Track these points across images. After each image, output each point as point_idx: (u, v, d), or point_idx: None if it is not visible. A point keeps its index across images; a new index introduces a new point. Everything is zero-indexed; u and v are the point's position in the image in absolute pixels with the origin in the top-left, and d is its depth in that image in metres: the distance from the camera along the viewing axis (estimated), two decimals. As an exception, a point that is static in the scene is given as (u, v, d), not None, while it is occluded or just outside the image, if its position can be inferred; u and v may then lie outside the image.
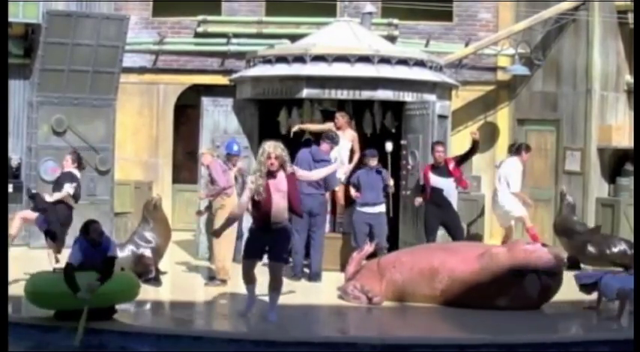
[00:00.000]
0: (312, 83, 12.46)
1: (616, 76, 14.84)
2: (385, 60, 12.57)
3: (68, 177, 11.14)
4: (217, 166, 11.32)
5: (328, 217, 12.70)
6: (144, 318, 9.60)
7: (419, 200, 12.04)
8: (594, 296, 9.99)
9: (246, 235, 9.86)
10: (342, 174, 12.40)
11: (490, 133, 15.70)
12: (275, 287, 9.11)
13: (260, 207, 8.94)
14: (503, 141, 15.58)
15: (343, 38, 13.03)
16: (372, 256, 11.65)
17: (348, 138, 12.62)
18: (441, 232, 12.12)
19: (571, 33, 14.91)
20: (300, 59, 12.57)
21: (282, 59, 12.73)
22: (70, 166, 11.31)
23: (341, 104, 13.08)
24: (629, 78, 14.83)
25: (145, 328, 8.87)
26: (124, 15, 14.59)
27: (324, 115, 13.06)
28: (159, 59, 16.11)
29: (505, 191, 12.94)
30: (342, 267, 11.62)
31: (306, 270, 11.69)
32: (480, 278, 9.80)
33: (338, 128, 12.52)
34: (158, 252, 11.35)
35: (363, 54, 12.52)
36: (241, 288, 9.62)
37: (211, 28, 15.98)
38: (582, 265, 12.42)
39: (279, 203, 8.90)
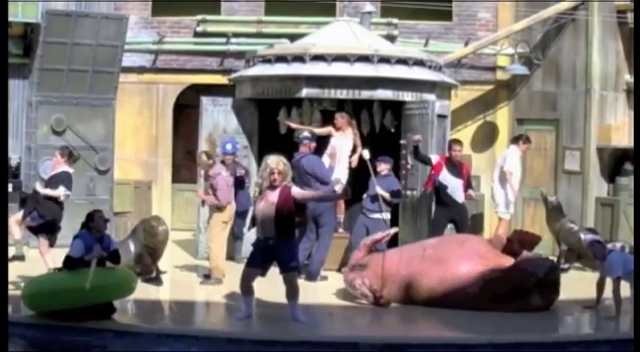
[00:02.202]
0: (311, 83, 12.46)
1: (615, 75, 14.83)
2: (385, 59, 12.57)
3: (65, 177, 10.86)
4: (223, 182, 11.20)
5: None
6: (144, 318, 9.60)
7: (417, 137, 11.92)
8: (593, 293, 10.02)
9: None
10: (342, 175, 12.40)
11: (489, 133, 15.71)
12: (293, 296, 9.13)
13: (257, 217, 9.01)
14: (502, 141, 15.58)
15: (343, 38, 13.02)
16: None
17: (348, 138, 12.60)
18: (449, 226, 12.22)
19: (570, 33, 14.90)
20: (299, 59, 12.57)
21: (281, 59, 12.73)
22: (61, 163, 10.96)
23: (340, 104, 13.08)
24: (628, 77, 14.81)
25: (144, 328, 8.88)
26: (124, 15, 14.59)
27: (323, 115, 13.05)
28: (158, 59, 16.09)
29: (499, 186, 12.97)
30: (341, 267, 11.64)
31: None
32: (481, 296, 9.75)
33: (338, 129, 12.53)
34: (157, 252, 11.33)
35: (362, 53, 12.52)
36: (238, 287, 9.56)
37: (211, 28, 15.97)
38: (578, 264, 12.55)
39: (265, 212, 8.90)
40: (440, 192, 11.98)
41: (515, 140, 13.77)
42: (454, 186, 11.99)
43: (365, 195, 12.00)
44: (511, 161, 13.40)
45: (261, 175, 9.00)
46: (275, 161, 8.93)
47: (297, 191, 9.15)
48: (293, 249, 9.19)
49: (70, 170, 10.98)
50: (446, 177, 11.97)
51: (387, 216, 11.80)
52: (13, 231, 10.75)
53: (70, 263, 8.90)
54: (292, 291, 9.11)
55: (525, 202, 15.03)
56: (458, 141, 12.26)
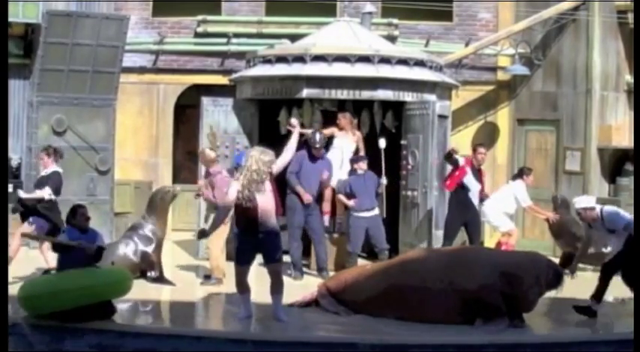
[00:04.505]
0: (312, 83, 12.47)
1: (616, 75, 14.82)
2: (385, 60, 12.57)
3: (54, 178, 10.88)
4: (222, 182, 11.06)
5: (327, 218, 12.69)
6: (144, 318, 9.60)
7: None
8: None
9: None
10: (345, 175, 12.40)
11: (490, 133, 15.69)
12: (277, 290, 9.15)
13: (247, 213, 8.95)
14: (502, 142, 15.59)
15: (343, 38, 13.03)
16: (374, 257, 11.74)
17: (351, 139, 12.62)
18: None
19: (571, 33, 14.90)
20: (300, 59, 12.58)
21: (282, 59, 12.74)
22: (50, 164, 11.03)
23: (341, 104, 13.08)
24: (629, 78, 14.81)
25: (144, 328, 8.88)
26: (124, 15, 14.58)
27: (324, 115, 13.05)
28: (159, 59, 16.08)
29: (494, 207, 12.53)
30: (337, 268, 11.65)
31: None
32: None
33: (341, 129, 12.55)
34: (159, 247, 11.32)
35: (363, 54, 12.52)
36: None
37: (211, 28, 15.97)
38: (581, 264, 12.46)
39: (265, 206, 8.94)
40: (461, 194, 12.01)
41: (518, 175, 12.96)
42: (475, 190, 12.10)
43: (350, 201, 11.87)
44: (522, 196, 12.66)
45: (246, 167, 9.00)
46: (259, 151, 9.04)
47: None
48: (277, 239, 9.19)
49: (60, 169, 10.99)
50: (470, 180, 12.03)
51: (378, 211, 11.82)
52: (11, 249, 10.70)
53: (58, 247, 9.05)
54: (277, 284, 9.14)
55: (526, 203, 15.00)
56: (483, 145, 12.42)
